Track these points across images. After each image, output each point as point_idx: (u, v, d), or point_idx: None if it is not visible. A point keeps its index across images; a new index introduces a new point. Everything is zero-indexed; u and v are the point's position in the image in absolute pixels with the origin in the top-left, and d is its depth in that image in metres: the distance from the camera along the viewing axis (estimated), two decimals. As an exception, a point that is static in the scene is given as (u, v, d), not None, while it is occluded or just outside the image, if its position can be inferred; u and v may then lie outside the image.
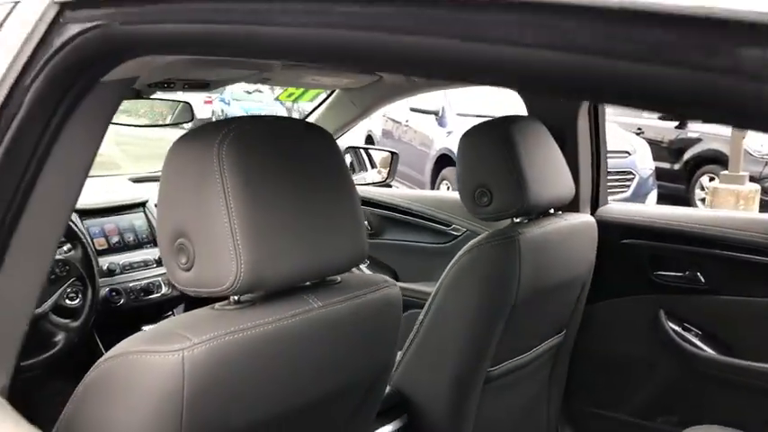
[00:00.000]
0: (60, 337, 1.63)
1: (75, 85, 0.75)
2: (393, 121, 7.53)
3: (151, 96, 1.87)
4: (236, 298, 0.84)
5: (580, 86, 0.45)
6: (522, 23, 0.43)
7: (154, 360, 0.76)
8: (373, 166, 3.09)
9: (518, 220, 1.47)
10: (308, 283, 0.90)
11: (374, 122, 7.95)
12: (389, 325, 1.00)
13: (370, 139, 7.91)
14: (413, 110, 6.87)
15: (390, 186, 2.73)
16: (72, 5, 0.71)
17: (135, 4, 0.67)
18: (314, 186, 0.86)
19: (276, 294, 0.86)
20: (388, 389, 1.45)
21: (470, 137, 1.43)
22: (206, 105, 15.15)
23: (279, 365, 0.84)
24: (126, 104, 2.02)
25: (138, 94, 1.86)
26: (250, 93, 14.98)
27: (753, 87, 0.33)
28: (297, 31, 0.59)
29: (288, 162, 0.85)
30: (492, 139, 1.40)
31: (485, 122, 1.45)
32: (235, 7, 0.61)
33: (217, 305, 0.86)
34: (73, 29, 0.71)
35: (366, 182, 2.78)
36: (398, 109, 7.05)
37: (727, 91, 0.34)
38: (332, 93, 2.21)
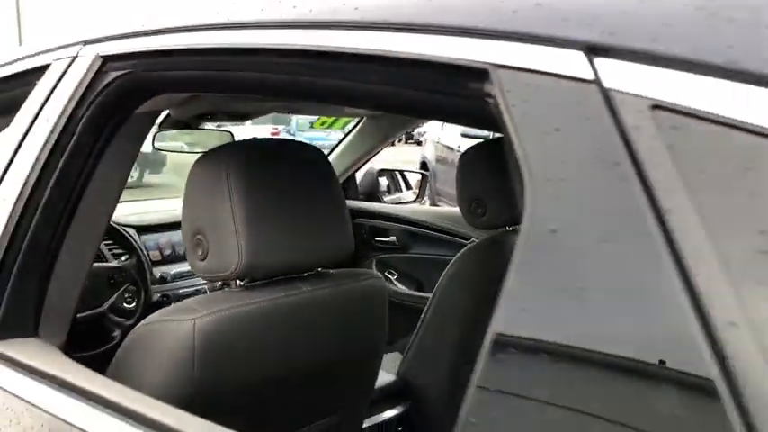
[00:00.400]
0: (117, 333, 1.90)
1: (114, 116, 1.00)
2: (446, 147, 7.73)
3: (199, 127, 2.15)
4: (240, 282, 1.07)
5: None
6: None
7: (172, 326, 0.99)
8: (408, 187, 3.31)
9: (510, 228, 1.66)
10: (304, 274, 1.11)
11: (427, 149, 8.18)
12: (373, 310, 1.20)
13: (424, 165, 8.13)
14: (464, 135, 7.06)
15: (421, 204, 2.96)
16: (111, 59, 0.96)
17: (151, 58, 0.91)
18: (305, 194, 1.08)
19: (274, 281, 1.08)
20: (394, 378, 1.65)
21: (467, 156, 1.63)
22: (273, 137, 15.70)
23: (273, 335, 1.05)
24: (187, 137, 2.32)
25: (188, 125, 2.14)
26: (312, 124, 15.43)
27: (469, 104, 0.53)
28: (261, 76, 0.82)
29: (283, 175, 1.07)
30: (485, 156, 1.59)
31: (480, 143, 1.64)
32: (219, 60, 0.84)
33: (226, 288, 1.09)
34: (112, 75, 0.96)
35: (399, 201, 2.99)
36: (451, 135, 7.25)
37: (454, 105, 0.55)
38: (360, 120, 2.45)
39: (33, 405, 0.83)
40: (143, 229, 2.15)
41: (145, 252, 2.07)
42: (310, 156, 1.14)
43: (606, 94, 0.46)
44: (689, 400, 0.40)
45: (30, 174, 0.95)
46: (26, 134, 0.99)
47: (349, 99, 0.92)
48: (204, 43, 0.82)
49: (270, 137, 2.34)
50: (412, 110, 0.85)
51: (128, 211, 2.19)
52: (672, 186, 0.42)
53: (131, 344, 1.03)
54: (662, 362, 0.42)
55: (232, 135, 2.18)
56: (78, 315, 1.66)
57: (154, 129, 2.22)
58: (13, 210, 0.94)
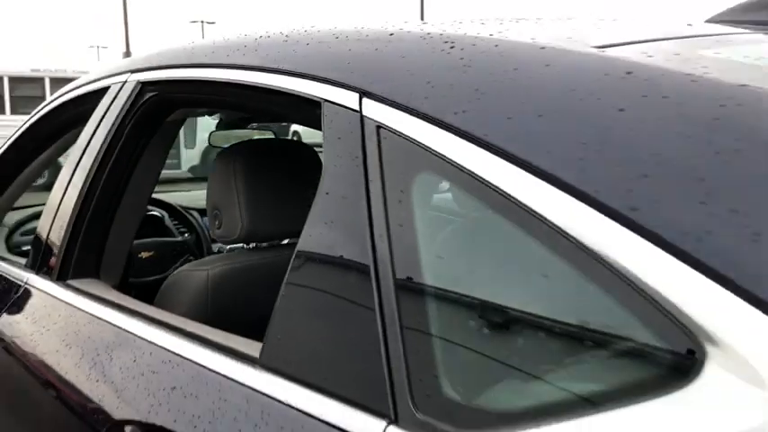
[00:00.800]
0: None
1: (150, 124, 1.42)
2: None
3: (247, 127, 2.60)
4: (246, 246, 1.47)
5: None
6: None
7: (193, 274, 1.40)
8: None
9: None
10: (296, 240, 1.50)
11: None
12: None
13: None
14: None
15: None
16: (146, 84, 1.37)
17: (171, 85, 1.31)
18: (294, 179, 1.46)
19: (273, 245, 1.48)
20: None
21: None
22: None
23: (267, 285, 1.44)
24: (235, 135, 2.77)
25: (238, 126, 2.59)
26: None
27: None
28: (220, 98, 1.24)
29: (275, 165, 1.47)
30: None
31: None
32: (207, 87, 1.24)
33: (236, 251, 1.51)
34: (147, 95, 1.37)
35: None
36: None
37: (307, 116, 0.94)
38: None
39: (94, 316, 1.24)
40: (203, 211, 2.61)
41: (204, 230, 2.53)
42: (299, 151, 1.53)
43: (362, 119, 0.83)
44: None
45: (93, 163, 1.38)
46: (92, 135, 1.42)
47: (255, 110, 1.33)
48: (199, 76, 1.22)
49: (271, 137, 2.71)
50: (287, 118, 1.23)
51: (195, 197, 2.66)
52: (374, 174, 0.79)
53: (166, 287, 1.46)
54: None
55: (274, 133, 2.61)
56: (148, 279, 2.13)
57: (212, 129, 2.69)
58: (81, 189, 1.38)
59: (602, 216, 0.61)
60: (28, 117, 1.80)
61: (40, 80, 13.21)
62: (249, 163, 1.41)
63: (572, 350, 0.65)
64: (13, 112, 12.58)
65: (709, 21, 1.21)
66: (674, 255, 0.56)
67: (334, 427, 0.74)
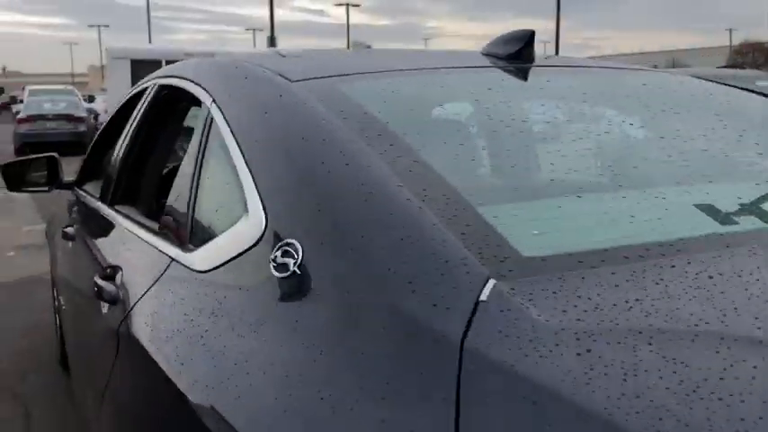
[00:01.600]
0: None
1: (164, 113, 2.27)
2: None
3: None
4: None
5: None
6: None
7: None
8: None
9: None
10: None
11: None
12: None
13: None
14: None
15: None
16: (162, 86, 2.21)
17: (173, 88, 2.14)
18: None
19: None
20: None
21: None
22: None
23: None
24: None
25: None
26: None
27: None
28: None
29: None
30: None
31: None
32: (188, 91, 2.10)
33: None
34: (162, 93, 2.22)
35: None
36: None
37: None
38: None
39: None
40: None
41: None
42: None
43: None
44: None
45: (133, 140, 2.26)
46: (138, 113, 2.29)
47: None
48: (177, 84, 1.98)
49: None
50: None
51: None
52: None
53: None
54: None
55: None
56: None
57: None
58: (122, 154, 2.28)
59: None
60: (119, 103, 2.72)
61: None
62: None
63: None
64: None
65: (483, 51, 1.71)
66: None
67: None
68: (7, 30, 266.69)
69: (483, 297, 0.77)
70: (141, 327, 1.30)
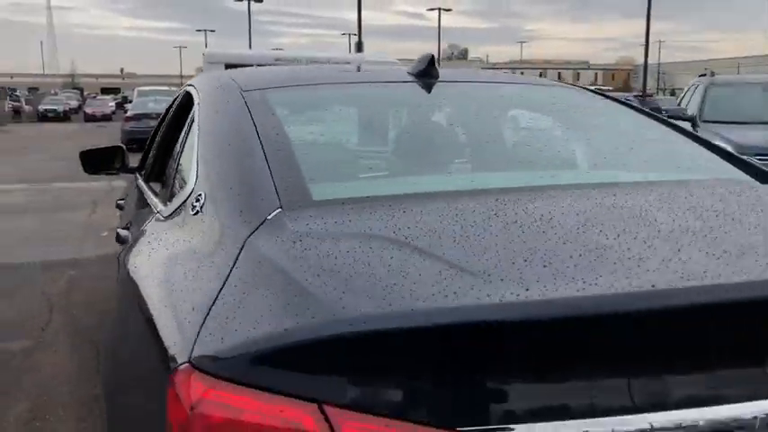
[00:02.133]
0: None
1: (184, 108, 2.96)
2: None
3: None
4: None
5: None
6: None
7: None
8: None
9: None
10: None
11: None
12: None
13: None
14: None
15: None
16: (187, 92, 2.93)
17: (188, 95, 2.84)
18: None
19: None
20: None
21: None
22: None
23: None
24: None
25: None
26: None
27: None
28: None
29: None
30: None
31: None
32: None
33: None
34: (185, 94, 2.92)
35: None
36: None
37: None
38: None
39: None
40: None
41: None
42: None
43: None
44: None
45: (163, 133, 2.98)
46: (167, 117, 3.02)
47: None
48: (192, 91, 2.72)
49: None
50: None
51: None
52: None
53: None
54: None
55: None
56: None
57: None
58: (155, 143, 2.99)
59: None
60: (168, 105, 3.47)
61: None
62: None
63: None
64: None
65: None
66: None
67: None
68: (127, 33, 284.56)
69: (269, 217, 1.37)
70: (131, 252, 1.96)
